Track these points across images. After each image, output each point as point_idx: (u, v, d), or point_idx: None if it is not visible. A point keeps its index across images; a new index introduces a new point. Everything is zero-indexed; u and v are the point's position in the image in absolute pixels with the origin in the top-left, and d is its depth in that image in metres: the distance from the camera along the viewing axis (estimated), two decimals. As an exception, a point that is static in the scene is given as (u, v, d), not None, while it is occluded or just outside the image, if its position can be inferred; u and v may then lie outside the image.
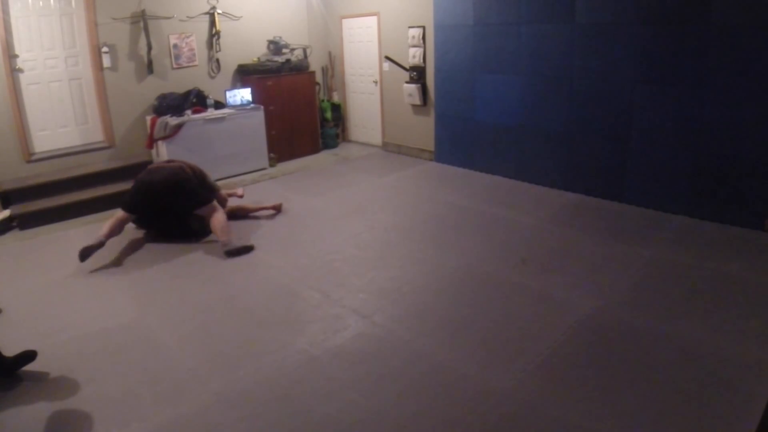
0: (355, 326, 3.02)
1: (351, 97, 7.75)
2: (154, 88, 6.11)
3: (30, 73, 5.32)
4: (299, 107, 7.08)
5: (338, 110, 7.77)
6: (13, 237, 4.70)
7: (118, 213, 4.16)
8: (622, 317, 2.99)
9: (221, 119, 6.17)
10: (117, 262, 4.04)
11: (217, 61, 6.62)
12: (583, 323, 2.95)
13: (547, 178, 5.39)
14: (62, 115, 5.63)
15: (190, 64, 6.41)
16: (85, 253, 3.85)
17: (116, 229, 4.09)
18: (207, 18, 6.42)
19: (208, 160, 6.08)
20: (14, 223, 4.88)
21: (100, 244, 3.93)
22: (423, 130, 6.65)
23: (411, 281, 3.54)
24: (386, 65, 6.89)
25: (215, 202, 4.34)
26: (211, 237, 4.37)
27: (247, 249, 4.12)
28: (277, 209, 4.92)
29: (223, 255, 4.05)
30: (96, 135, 5.90)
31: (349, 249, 4.08)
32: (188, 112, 6.05)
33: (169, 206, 4.22)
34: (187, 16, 6.25)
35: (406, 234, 4.34)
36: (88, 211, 5.10)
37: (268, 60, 6.81)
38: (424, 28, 6.24)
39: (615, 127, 4.72)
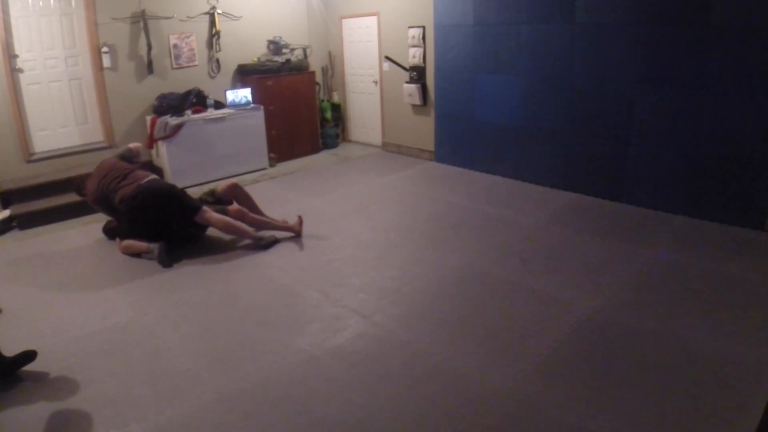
0: (355, 326, 3.02)
1: (351, 97, 7.75)
2: (154, 88, 6.12)
3: (30, 73, 5.32)
4: (299, 107, 7.09)
5: (338, 110, 7.77)
6: (13, 237, 4.70)
7: (134, 243, 4.06)
8: (622, 317, 2.99)
9: (221, 119, 6.17)
10: (117, 262, 4.04)
11: (217, 61, 6.62)
12: (583, 323, 2.95)
13: (547, 178, 5.39)
14: (62, 115, 5.63)
15: (190, 64, 6.42)
16: (167, 261, 3.93)
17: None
18: (207, 18, 6.42)
19: (208, 160, 6.10)
20: (14, 223, 4.88)
21: (161, 246, 3.96)
22: (423, 130, 6.65)
23: (411, 281, 3.54)
24: (386, 65, 6.89)
25: (203, 207, 4.19)
26: (212, 238, 4.38)
27: (275, 240, 4.21)
28: (296, 232, 4.38)
29: (224, 255, 4.06)
30: (96, 135, 5.90)
31: (349, 249, 4.08)
32: (188, 112, 6.05)
33: (168, 219, 4.12)
34: (187, 16, 6.25)
35: (406, 234, 4.34)
36: (88, 211, 5.08)
37: (268, 60, 6.81)
38: (424, 28, 6.24)
39: (615, 127, 4.72)
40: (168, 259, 3.93)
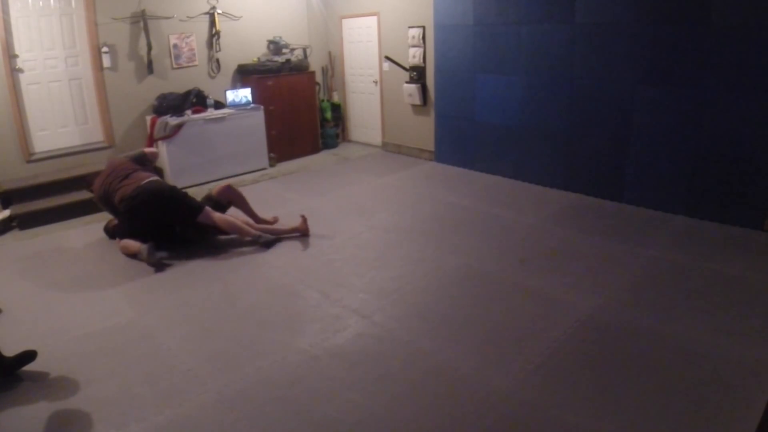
0: (355, 326, 3.02)
1: (351, 97, 7.75)
2: (154, 88, 6.12)
3: (30, 73, 5.32)
4: (299, 107, 7.09)
5: (338, 110, 7.77)
6: (13, 237, 4.70)
7: (130, 243, 4.03)
8: (622, 317, 2.99)
9: (221, 119, 6.18)
10: (117, 262, 4.04)
11: (217, 61, 6.62)
12: (583, 323, 2.95)
13: (547, 178, 5.39)
14: (62, 115, 5.63)
15: (190, 64, 6.42)
16: (157, 262, 3.87)
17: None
18: (207, 18, 6.42)
19: (208, 160, 6.10)
20: (14, 223, 4.88)
21: (150, 247, 3.90)
22: (423, 130, 6.65)
23: (411, 281, 3.54)
24: (386, 65, 6.89)
25: (206, 207, 4.20)
26: (211, 237, 4.38)
27: (276, 239, 4.22)
28: (303, 231, 4.38)
29: (224, 255, 4.06)
30: (96, 135, 5.90)
31: (349, 249, 4.08)
32: (188, 112, 6.05)
33: (169, 221, 4.12)
34: (187, 16, 6.25)
35: (406, 234, 4.34)
36: (88, 211, 5.10)
37: (268, 60, 6.81)
38: (424, 28, 6.24)
39: (615, 127, 4.72)
40: (157, 261, 3.87)
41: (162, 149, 5.83)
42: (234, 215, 4.35)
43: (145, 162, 4.46)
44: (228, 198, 4.42)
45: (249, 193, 5.12)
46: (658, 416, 2.23)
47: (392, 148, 7.21)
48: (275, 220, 4.50)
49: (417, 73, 6.43)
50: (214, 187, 4.52)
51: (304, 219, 4.37)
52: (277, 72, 6.78)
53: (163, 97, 6.03)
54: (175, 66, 6.29)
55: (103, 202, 4.24)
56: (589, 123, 4.91)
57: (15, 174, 5.27)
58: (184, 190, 4.34)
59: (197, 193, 4.56)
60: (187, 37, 6.31)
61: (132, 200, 3.96)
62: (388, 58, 6.78)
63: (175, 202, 4.08)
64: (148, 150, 4.58)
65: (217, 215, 4.15)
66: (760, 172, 3.97)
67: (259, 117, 6.51)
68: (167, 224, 4.15)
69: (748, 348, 2.65)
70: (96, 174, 4.45)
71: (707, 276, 3.42)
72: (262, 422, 2.31)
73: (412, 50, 6.44)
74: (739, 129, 4.01)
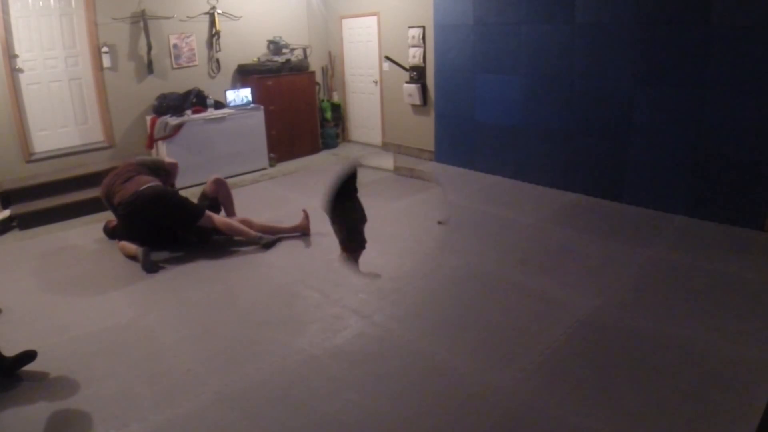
0: (355, 326, 3.02)
1: (351, 97, 7.75)
2: (154, 88, 6.11)
3: (30, 73, 5.32)
4: (299, 107, 7.08)
5: (338, 110, 7.77)
6: (13, 237, 4.70)
7: (127, 246, 4.03)
8: (622, 317, 2.99)
9: (221, 119, 6.17)
10: (117, 263, 4.04)
11: (217, 61, 6.62)
12: (583, 323, 2.95)
13: (547, 178, 5.39)
14: (62, 115, 5.63)
15: (190, 64, 6.42)
16: (150, 266, 3.84)
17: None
18: (207, 18, 6.42)
19: (208, 160, 6.09)
20: (14, 223, 4.88)
21: (145, 252, 3.87)
22: (423, 130, 6.65)
23: (411, 281, 3.54)
24: (386, 65, 6.89)
25: (207, 211, 4.19)
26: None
27: (276, 240, 4.21)
28: (304, 230, 4.37)
29: (224, 255, 4.07)
30: (96, 135, 5.90)
31: (349, 249, 4.08)
32: (188, 112, 6.05)
33: (169, 226, 4.12)
34: (187, 16, 6.25)
35: (406, 234, 4.34)
36: (88, 211, 5.10)
37: (268, 60, 6.81)
38: (424, 28, 6.24)
39: (615, 127, 4.72)
40: (151, 265, 3.85)
41: (162, 149, 5.84)
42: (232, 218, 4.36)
43: (158, 170, 4.40)
44: (217, 188, 4.42)
45: (249, 193, 5.12)
46: (659, 416, 2.23)
47: (392, 148, 7.21)
48: (268, 223, 4.44)
49: (417, 73, 6.43)
50: (207, 184, 4.51)
51: (306, 215, 4.36)
52: (277, 72, 6.78)
53: (163, 97, 6.03)
54: (175, 66, 6.29)
55: (107, 201, 4.26)
56: (589, 123, 4.91)
57: (15, 174, 5.27)
58: (184, 195, 4.31)
59: (195, 194, 4.56)
60: (187, 37, 6.31)
61: (129, 205, 3.95)
62: (388, 58, 6.78)
63: (175, 208, 4.06)
64: (168, 161, 4.54)
65: (217, 218, 4.15)
66: (760, 172, 3.97)
67: (259, 117, 6.51)
68: (167, 228, 4.14)
69: (748, 348, 2.65)
70: (106, 171, 4.47)
71: (707, 276, 3.42)
72: (262, 422, 2.31)
73: (412, 50, 6.43)
74: (739, 129, 4.01)
